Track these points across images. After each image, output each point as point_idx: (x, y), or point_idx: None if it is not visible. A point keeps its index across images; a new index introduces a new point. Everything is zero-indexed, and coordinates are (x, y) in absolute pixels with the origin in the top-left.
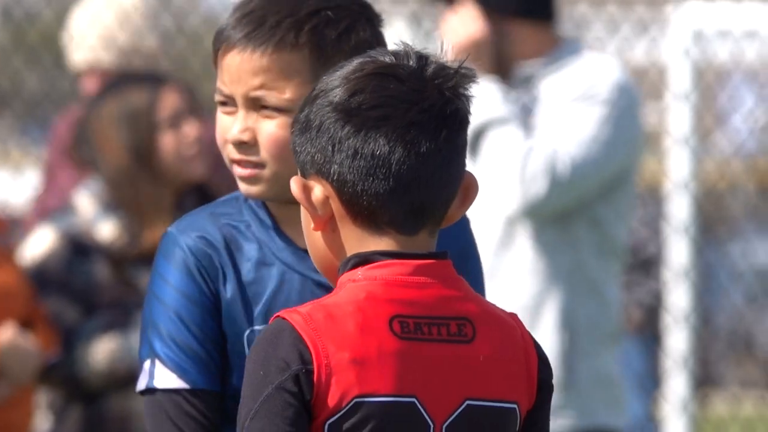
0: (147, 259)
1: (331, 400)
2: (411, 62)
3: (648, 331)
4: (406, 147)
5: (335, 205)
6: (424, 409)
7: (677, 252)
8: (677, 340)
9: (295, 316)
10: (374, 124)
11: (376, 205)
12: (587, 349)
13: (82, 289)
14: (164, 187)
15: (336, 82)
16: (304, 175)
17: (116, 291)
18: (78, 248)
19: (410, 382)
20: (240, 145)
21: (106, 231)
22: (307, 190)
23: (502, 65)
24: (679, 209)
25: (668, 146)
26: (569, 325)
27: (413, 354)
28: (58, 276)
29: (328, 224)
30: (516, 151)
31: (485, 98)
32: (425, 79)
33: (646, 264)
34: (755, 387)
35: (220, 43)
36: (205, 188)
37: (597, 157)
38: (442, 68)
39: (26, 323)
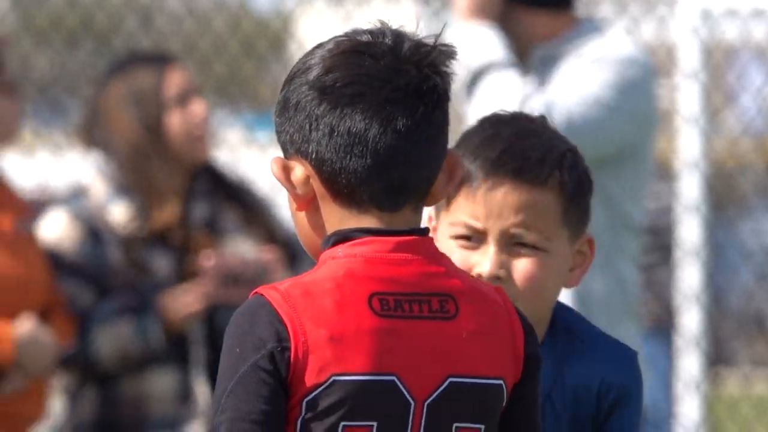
0: (158, 240)
1: (308, 378)
2: (387, 40)
3: (666, 321)
4: (382, 124)
5: (316, 184)
6: (405, 387)
7: (688, 231)
8: (689, 319)
9: (273, 292)
10: (349, 102)
11: (355, 182)
12: (602, 326)
13: (95, 272)
14: (174, 167)
15: (312, 61)
16: (285, 156)
17: (129, 273)
18: (91, 231)
19: (390, 360)
20: (493, 280)
21: (118, 213)
22: (286, 171)
23: (517, 49)
24: (689, 188)
25: (678, 125)
26: (583, 301)
27: (393, 332)
28: (72, 259)
29: (310, 204)
30: (513, 95)
31: (487, 42)
32: (401, 57)
33: (664, 249)
34: (767, 365)
35: (472, 177)
36: (215, 170)
37: (596, 118)
38: (420, 45)
39: (45, 311)
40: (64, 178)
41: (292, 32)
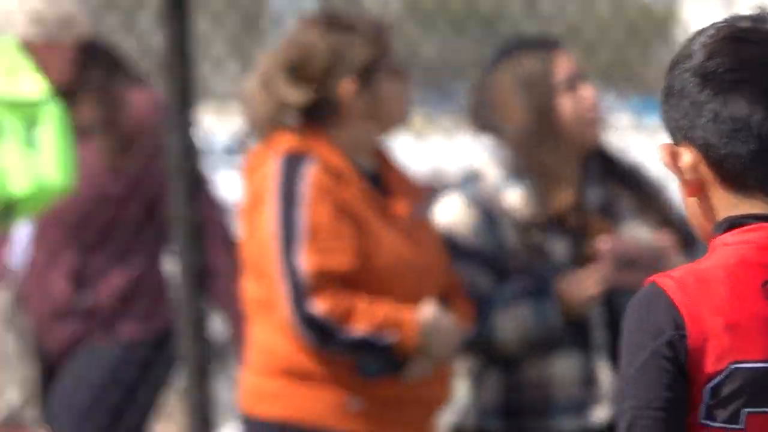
0: (554, 225)
1: (708, 366)
2: (767, 26)
3: None
4: (766, 110)
5: (704, 170)
6: None
7: None
8: None
9: (667, 281)
10: (731, 87)
11: (741, 168)
12: None
13: (491, 256)
14: (567, 152)
15: (693, 47)
16: (674, 143)
17: (525, 258)
18: (486, 215)
19: None
20: None
21: (513, 197)
22: (675, 157)
23: None
24: None
25: None
26: None
27: None
28: (468, 243)
29: (700, 189)
30: None
31: None
32: None
33: None
34: None
35: None
36: (607, 154)
37: None
38: None
39: (444, 295)
40: (455, 161)
41: (677, 16)
